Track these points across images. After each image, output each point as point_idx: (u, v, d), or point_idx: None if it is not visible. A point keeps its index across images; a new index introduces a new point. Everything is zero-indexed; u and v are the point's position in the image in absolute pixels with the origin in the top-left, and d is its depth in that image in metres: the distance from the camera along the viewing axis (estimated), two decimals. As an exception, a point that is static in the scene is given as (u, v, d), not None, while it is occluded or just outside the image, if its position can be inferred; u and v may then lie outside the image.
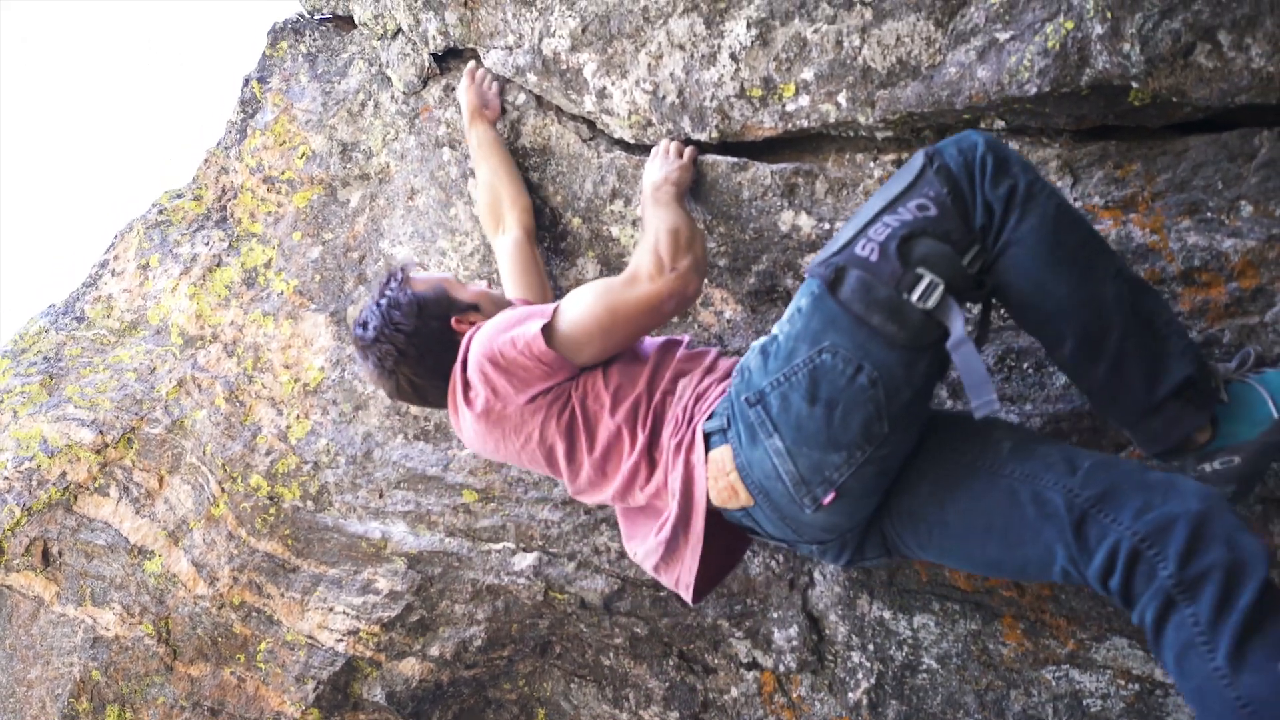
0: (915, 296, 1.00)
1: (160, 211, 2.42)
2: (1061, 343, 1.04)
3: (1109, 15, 1.14)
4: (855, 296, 1.03)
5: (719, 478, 1.16)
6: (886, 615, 1.53)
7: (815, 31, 1.41)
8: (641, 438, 1.25)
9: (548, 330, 1.25)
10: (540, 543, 1.80)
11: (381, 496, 1.93)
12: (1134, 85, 1.15)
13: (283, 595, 1.96)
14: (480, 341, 1.29)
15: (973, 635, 1.46)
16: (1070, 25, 1.18)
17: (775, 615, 1.63)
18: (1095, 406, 1.12)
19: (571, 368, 1.27)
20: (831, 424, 1.03)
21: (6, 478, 2.16)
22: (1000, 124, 1.34)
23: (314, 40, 2.36)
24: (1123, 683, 1.35)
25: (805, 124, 1.47)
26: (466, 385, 1.30)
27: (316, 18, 2.40)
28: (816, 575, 1.61)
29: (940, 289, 0.99)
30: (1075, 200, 1.29)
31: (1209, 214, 1.20)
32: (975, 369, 1.00)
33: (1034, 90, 1.22)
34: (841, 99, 1.41)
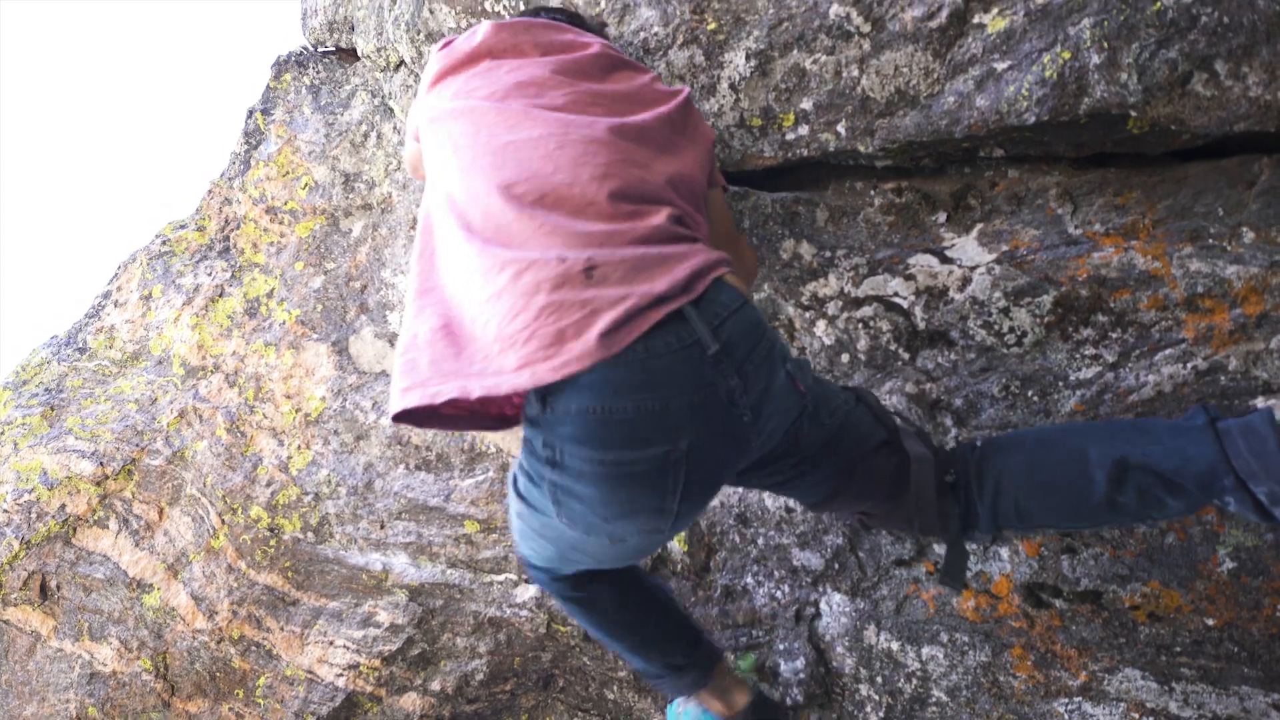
0: None
1: (164, 242, 2.43)
2: None
3: (1106, 45, 1.15)
4: None
5: None
6: (894, 647, 1.51)
7: (814, 62, 1.42)
8: None
9: None
10: (543, 574, 1.78)
11: (383, 528, 1.92)
12: (1132, 114, 1.16)
13: (282, 629, 1.93)
14: None
15: (983, 667, 1.43)
16: (1067, 55, 1.19)
17: (782, 647, 1.61)
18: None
19: None
20: None
21: (5, 510, 2.15)
22: (999, 152, 1.35)
23: (317, 72, 2.38)
24: (1136, 716, 1.32)
25: (805, 153, 1.48)
26: None
27: (320, 50, 2.43)
28: (823, 605, 1.58)
29: None
30: (1076, 228, 1.29)
31: (1211, 240, 1.19)
32: None
33: (1033, 119, 1.22)
34: (841, 128, 1.42)
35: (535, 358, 0.88)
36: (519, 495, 1.08)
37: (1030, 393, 1.33)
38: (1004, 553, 1.39)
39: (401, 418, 0.99)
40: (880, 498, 1.21)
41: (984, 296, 1.35)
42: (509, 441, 1.85)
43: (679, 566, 1.71)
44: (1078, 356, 1.29)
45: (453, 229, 1.03)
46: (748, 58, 1.49)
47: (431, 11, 1.93)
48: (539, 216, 0.98)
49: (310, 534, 1.97)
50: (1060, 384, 1.31)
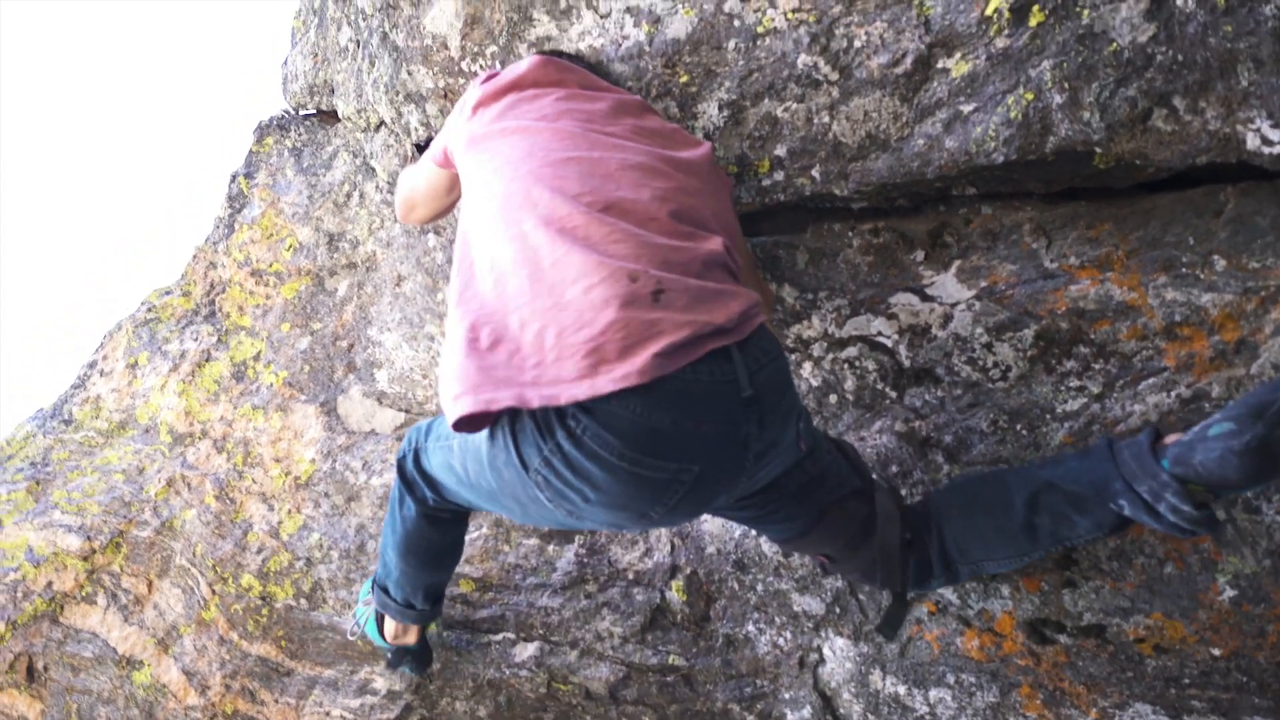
0: None
1: (149, 309, 2.43)
2: None
3: (1066, 85, 1.18)
4: None
5: None
6: (901, 691, 1.48)
7: (785, 110, 1.45)
8: None
9: None
10: (541, 631, 1.75)
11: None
12: (1097, 150, 1.18)
13: (277, 701, 1.89)
14: None
15: (992, 708, 1.41)
16: (1030, 96, 1.21)
17: (787, 696, 1.58)
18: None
19: None
20: None
21: (-9, 590, 2.10)
22: (972, 190, 1.37)
23: (299, 135, 2.41)
24: (1150, 751, 1.30)
25: (782, 198, 1.50)
26: None
27: (301, 114, 2.46)
28: (826, 651, 1.56)
29: None
30: (1051, 261, 1.31)
31: (1184, 269, 1.21)
32: None
33: (1001, 159, 1.25)
34: (815, 173, 1.45)
35: (596, 370, 0.91)
36: (475, 454, 1.09)
37: (1019, 427, 1.33)
38: (1004, 589, 1.38)
39: (460, 425, 0.98)
40: (844, 543, 1.27)
41: (966, 333, 1.36)
42: (501, 496, 1.84)
43: (678, 617, 1.69)
44: (1063, 389, 1.30)
45: (503, 236, 1.04)
46: (720, 108, 1.51)
47: (410, 74, 1.96)
48: (609, 221, 1.01)
49: (303, 600, 1.93)
50: (1048, 417, 1.31)
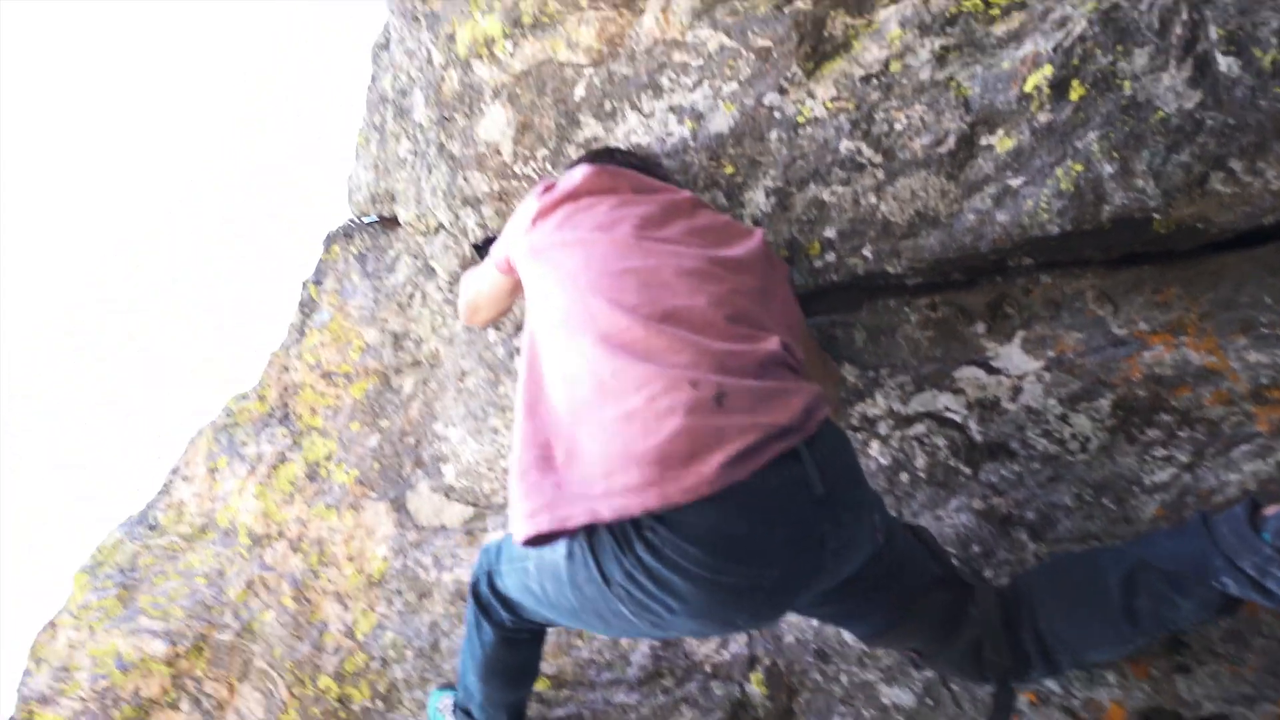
0: None
1: (228, 414, 2.54)
2: None
3: (1116, 155, 1.18)
4: None
5: None
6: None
7: (832, 194, 1.48)
8: None
9: None
10: (618, 728, 1.71)
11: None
12: (1156, 216, 1.17)
13: (355, 808, 1.87)
14: None
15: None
16: (1079, 167, 1.21)
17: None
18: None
19: None
20: None
21: (83, 698, 2.16)
22: (1028, 260, 1.36)
23: (363, 242, 2.55)
24: None
25: (835, 277, 1.51)
26: None
27: (365, 221, 2.61)
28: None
29: None
30: (1120, 327, 1.28)
31: (1263, 329, 1.17)
32: None
33: (1056, 230, 1.24)
34: (867, 252, 1.46)
35: (664, 478, 0.92)
36: (553, 571, 1.08)
37: (1106, 500, 1.28)
38: (1110, 676, 1.29)
39: (529, 543, 0.99)
40: (932, 635, 1.21)
41: (1038, 405, 1.32)
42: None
43: (760, 712, 1.63)
44: (1149, 459, 1.25)
45: (567, 348, 1.07)
46: (767, 195, 1.55)
47: (466, 179, 2.07)
48: (667, 331, 1.03)
49: (379, 701, 1.93)
50: (1136, 489, 1.26)
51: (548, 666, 1.78)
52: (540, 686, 1.79)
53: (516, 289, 1.49)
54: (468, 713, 1.52)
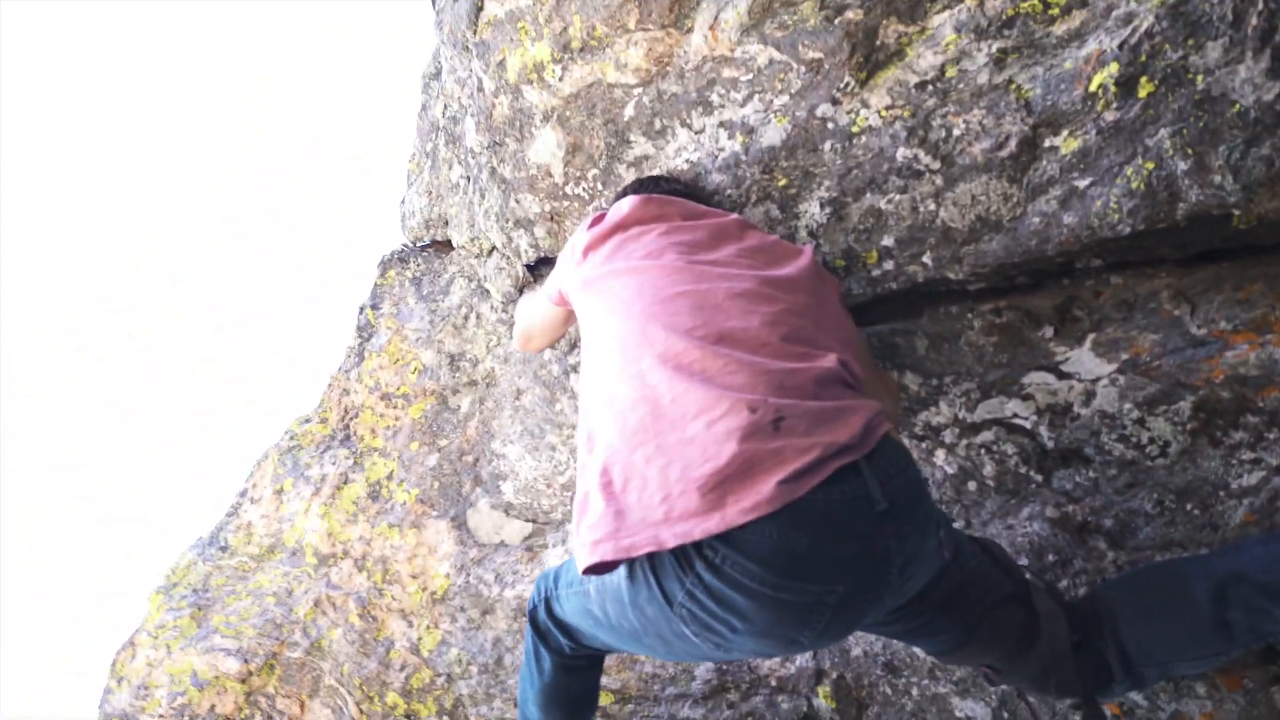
0: None
1: (291, 437, 2.62)
2: None
3: (1190, 151, 1.15)
4: None
5: None
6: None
7: (889, 202, 1.47)
8: None
9: None
10: (685, 745, 1.70)
11: (516, 706, 1.89)
12: (1235, 212, 1.14)
13: (426, 824, 1.89)
14: None
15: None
16: (1151, 165, 1.19)
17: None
18: None
19: None
20: None
21: (161, 715, 2.23)
22: (1097, 261, 1.33)
23: (418, 265, 2.61)
24: None
25: (894, 286, 1.50)
26: None
27: (419, 245, 2.67)
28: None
29: None
30: (1199, 328, 1.24)
31: (1357, 325, 1.13)
32: None
33: (1127, 230, 1.22)
34: (927, 259, 1.44)
35: (724, 502, 0.92)
36: (614, 593, 1.08)
37: (1189, 506, 1.24)
38: (1200, 688, 1.25)
39: (590, 570, 1.00)
40: (1005, 652, 1.18)
41: (1113, 409, 1.29)
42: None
43: (829, 726, 1.61)
44: (1235, 462, 1.20)
45: (623, 375, 1.08)
46: (821, 206, 1.55)
47: (518, 202, 2.11)
48: (723, 353, 1.04)
49: (445, 717, 1.96)
50: (1221, 494, 1.21)
51: (611, 681, 1.78)
52: (604, 701, 1.79)
53: (569, 319, 1.51)
54: None
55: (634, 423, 1.03)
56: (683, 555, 0.96)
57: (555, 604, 1.30)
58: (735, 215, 1.38)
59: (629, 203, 1.34)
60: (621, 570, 1.05)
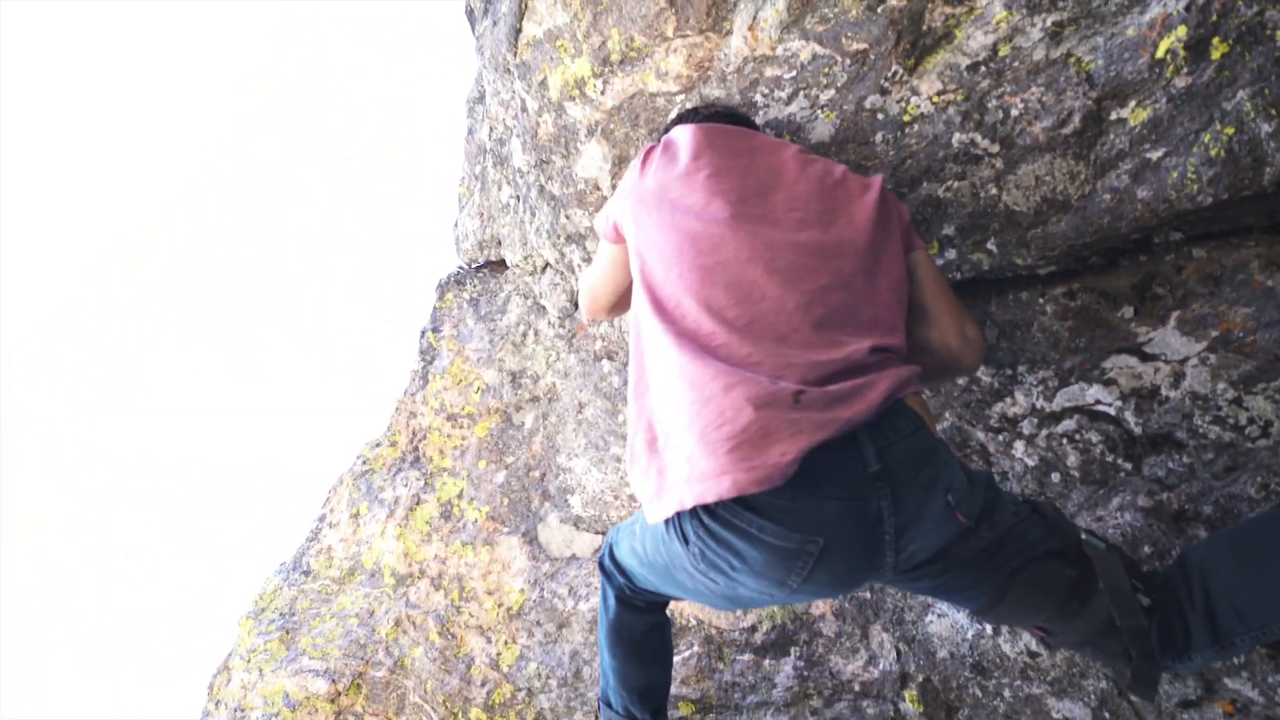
0: None
1: (364, 462, 2.69)
2: None
3: (1274, 112, 1.08)
4: None
5: None
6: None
7: (947, 190, 1.43)
8: None
9: None
10: (770, 754, 1.68)
11: (596, 717, 1.89)
12: (1329, 172, 1.06)
13: (516, 838, 1.91)
14: None
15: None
16: (1230, 130, 1.12)
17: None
18: None
19: None
20: None
21: (258, 736, 2.32)
22: (1177, 234, 1.27)
23: (474, 287, 2.66)
24: None
25: (958, 275, 1.46)
26: None
27: (474, 267, 2.72)
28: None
29: None
30: (1296, 297, 1.16)
31: None
32: None
33: (1209, 200, 1.15)
34: (991, 245, 1.40)
35: (738, 467, 0.98)
36: (655, 532, 1.20)
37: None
38: (1323, 682, 1.17)
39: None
40: (1053, 611, 1.14)
41: (1205, 390, 1.22)
42: (708, 612, 1.82)
43: (919, 731, 1.56)
44: (1347, 439, 1.12)
45: (661, 336, 1.13)
46: (876, 199, 1.51)
47: (568, 217, 2.14)
48: (748, 343, 1.07)
49: (529, 732, 1.98)
50: (1334, 473, 1.13)
51: (690, 691, 1.77)
52: (685, 711, 1.78)
53: (628, 261, 1.49)
54: (608, 703, 1.59)
55: (667, 383, 1.09)
56: (700, 505, 1.04)
57: (616, 549, 1.44)
58: (795, 146, 1.33)
59: (683, 134, 1.31)
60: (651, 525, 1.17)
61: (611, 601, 1.49)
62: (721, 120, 1.46)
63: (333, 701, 2.29)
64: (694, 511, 1.04)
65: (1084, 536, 1.14)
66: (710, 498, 0.99)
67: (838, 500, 1.02)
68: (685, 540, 1.08)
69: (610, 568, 1.47)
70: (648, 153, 1.35)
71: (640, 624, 1.50)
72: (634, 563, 1.36)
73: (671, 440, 1.07)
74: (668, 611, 1.56)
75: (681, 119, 1.51)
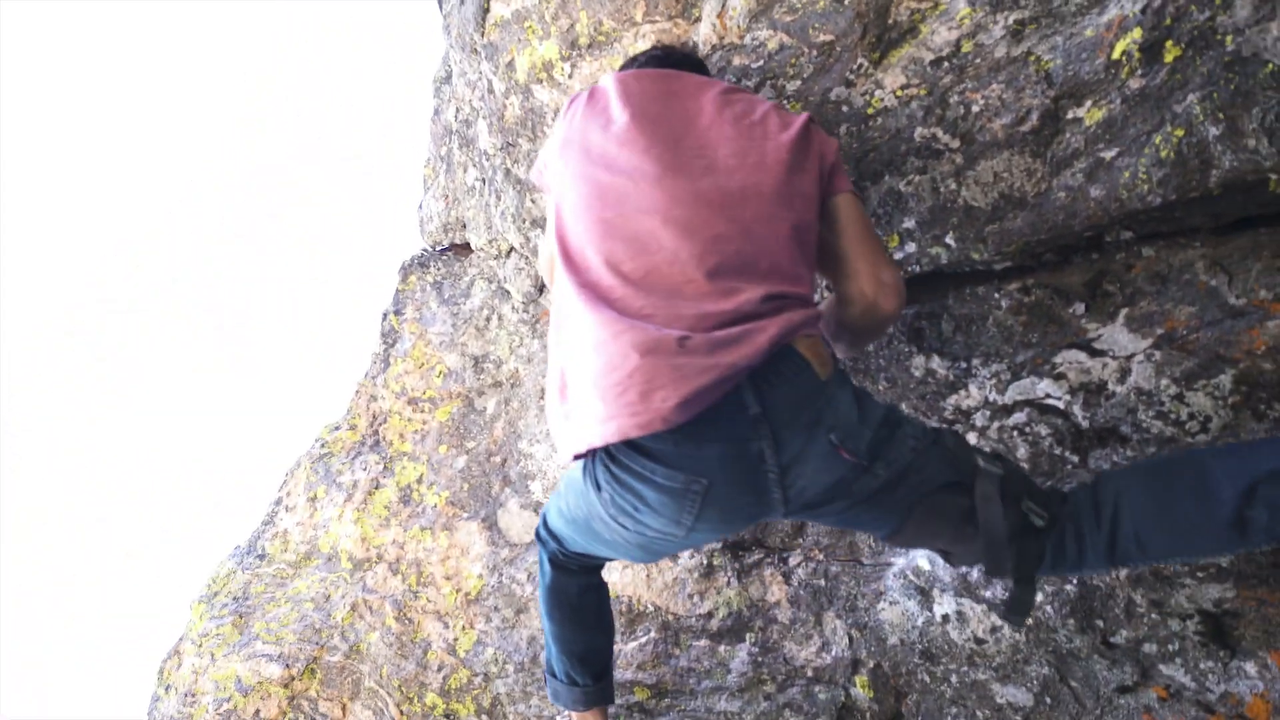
0: None
1: (322, 445, 2.65)
2: None
3: (1221, 115, 1.11)
4: None
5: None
6: None
7: (908, 184, 1.44)
8: None
9: None
10: (723, 738, 1.70)
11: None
12: (1272, 176, 1.09)
13: (470, 822, 1.91)
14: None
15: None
16: (1180, 132, 1.15)
17: (1005, 800, 1.43)
18: None
19: None
20: None
21: (209, 721, 2.28)
22: (1127, 234, 1.30)
23: (439, 270, 2.62)
24: None
25: (917, 269, 1.47)
26: None
27: (438, 250, 2.68)
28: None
29: None
30: (1237, 298, 1.20)
31: (1406, 288, 1.08)
32: None
33: (1158, 200, 1.18)
34: (950, 240, 1.42)
35: (624, 413, 1.04)
36: (575, 486, 1.27)
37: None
38: (1250, 667, 1.21)
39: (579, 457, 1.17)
40: (949, 537, 1.21)
41: (1149, 385, 1.26)
42: (665, 598, 1.83)
43: (867, 715, 1.59)
44: (1280, 435, 1.16)
45: (569, 286, 1.18)
46: (839, 191, 1.52)
47: (534, 201, 2.11)
48: (642, 295, 1.11)
49: (485, 717, 1.97)
50: (1267, 468, 1.17)
51: (647, 676, 1.79)
52: (640, 696, 1.79)
53: None
54: (552, 673, 1.62)
55: (572, 332, 1.15)
56: (604, 451, 1.11)
57: (548, 515, 1.49)
58: (722, 85, 1.32)
59: (608, 82, 1.32)
60: (577, 464, 1.23)
61: (547, 567, 1.54)
62: (660, 64, 1.46)
63: (286, 686, 2.26)
64: (601, 458, 1.12)
65: (981, 465, 1.18)
66: (599, 442, 1.07)
67: (719, 443, 1.07)
68: (598, 487, 1.15)
69: (544, 535, 1.52)
70: (572, 101, 1.36)
71: (574, 586, 1.54)
72: (562, 524, 1.41)
73: (574, 387, 1.13)
74: (617, 592, 1.59)
75: (625, 66, 1.52)
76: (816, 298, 1.65)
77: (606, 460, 1.12)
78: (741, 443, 1.07)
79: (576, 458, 1.16)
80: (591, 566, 1.55)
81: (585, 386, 1.10)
